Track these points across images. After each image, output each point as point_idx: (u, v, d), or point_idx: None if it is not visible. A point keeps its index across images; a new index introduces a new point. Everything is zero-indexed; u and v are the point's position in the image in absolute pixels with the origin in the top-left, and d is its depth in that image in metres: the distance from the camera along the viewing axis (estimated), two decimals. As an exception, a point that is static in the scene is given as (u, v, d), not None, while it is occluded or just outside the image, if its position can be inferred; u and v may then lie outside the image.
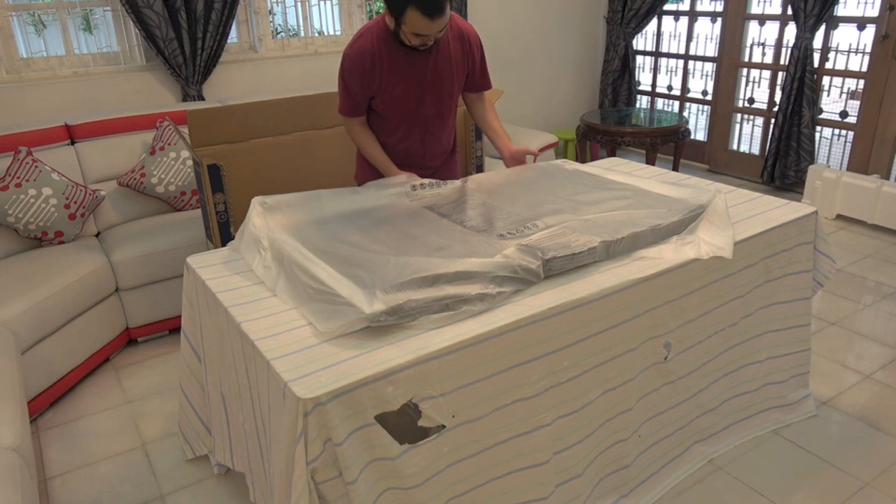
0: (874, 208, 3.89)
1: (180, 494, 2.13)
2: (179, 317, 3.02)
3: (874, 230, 3.95)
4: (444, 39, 2.24)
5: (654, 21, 5.32)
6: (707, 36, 5.06)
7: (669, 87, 5.38)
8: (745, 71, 4.83)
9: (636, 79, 5.44)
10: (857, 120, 4.21)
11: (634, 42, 5.33)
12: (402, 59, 2.20)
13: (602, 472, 1.90)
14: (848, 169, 4.31)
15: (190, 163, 3.24)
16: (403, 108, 2.30)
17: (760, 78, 4.83)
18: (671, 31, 5.29)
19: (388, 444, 1.43)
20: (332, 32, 4.30)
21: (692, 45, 5.12)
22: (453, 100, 2.40)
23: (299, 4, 4.09)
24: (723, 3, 4.78)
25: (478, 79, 2.43)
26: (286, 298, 1.69)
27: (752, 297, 2.09)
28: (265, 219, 1.98)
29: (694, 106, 5.32)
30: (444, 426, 1.49)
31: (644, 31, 5.39)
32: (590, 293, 1.67)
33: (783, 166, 4.50)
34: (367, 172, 2.47)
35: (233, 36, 3.92)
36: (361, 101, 2.29)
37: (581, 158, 4.78)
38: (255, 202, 2.03)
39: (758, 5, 4.68)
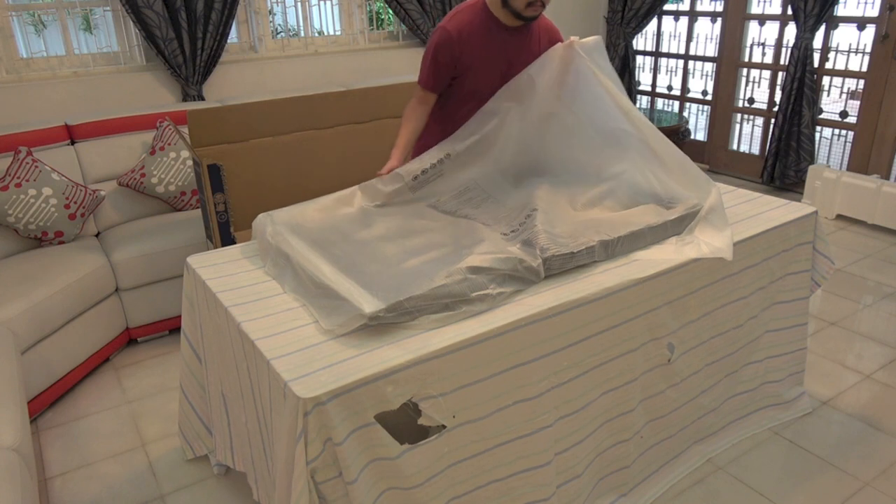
0: (874, 208, 3.89)
1: (180, 494, 2.13)
2: (179, 317, 3.02)
3: (874, 230, 3.95)
4: (536, 29, 2.25)
5: (654, 21, 5.32)
6: (707, 36, 5.06)
7: (669, 87, 5.38)
8: (745, 71, 4.83)
9: (636, 79, 5.44)
10: (857, 120, 4.21)
11: (634, 42, 5.33)
12: (496, 40, 2.19)
13: (602, 472, 1.90)
14: (848, 169, 4.31)
15: (190, 163, 3.24)
16: (486, 92, 2.25)
17: (760, 78, 4.83)
18: (671, 31, 5.29)
19: (388, 444, 1.43)
20: (332, 32, 4.30)
21: (692, 45, 5.12)
22: None
23: (299, 4, 4.09)
24: (723, 3, 4.78)
25: None
26: (295, 296, 1.70)
27: (755, 299, 2.09)
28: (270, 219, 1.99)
29: (694, 106, 5.31)
30: (444, 426, 1.49)
31: (644, 31, 5.39)
32: (590, 293, 1.67)
33: (783, 166, 4.50)
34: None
35: (233, 36, 3.92)
36: (444, 74, 2.23)
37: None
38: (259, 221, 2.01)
39: (758, 5, 4.68)
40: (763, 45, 4.68)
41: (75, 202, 2.96)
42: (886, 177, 4.10)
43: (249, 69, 3.92)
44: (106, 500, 2.12)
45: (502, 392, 1.58)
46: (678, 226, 1.97)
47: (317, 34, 4.27)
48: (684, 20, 5.10)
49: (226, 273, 1.86)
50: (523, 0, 2.08)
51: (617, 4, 5.15)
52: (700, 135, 5.26)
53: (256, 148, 2.73)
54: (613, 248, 1.84)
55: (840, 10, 4.23)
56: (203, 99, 3.72)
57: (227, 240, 2.68)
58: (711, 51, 4.99)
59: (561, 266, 1.75)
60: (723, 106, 4.95)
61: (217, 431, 2.02)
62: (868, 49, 4.09)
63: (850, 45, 4.23)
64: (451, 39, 2.15)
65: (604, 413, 1.81)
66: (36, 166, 2.89)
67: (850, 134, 4.30)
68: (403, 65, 4.44)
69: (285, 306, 1.66)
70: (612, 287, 1.70)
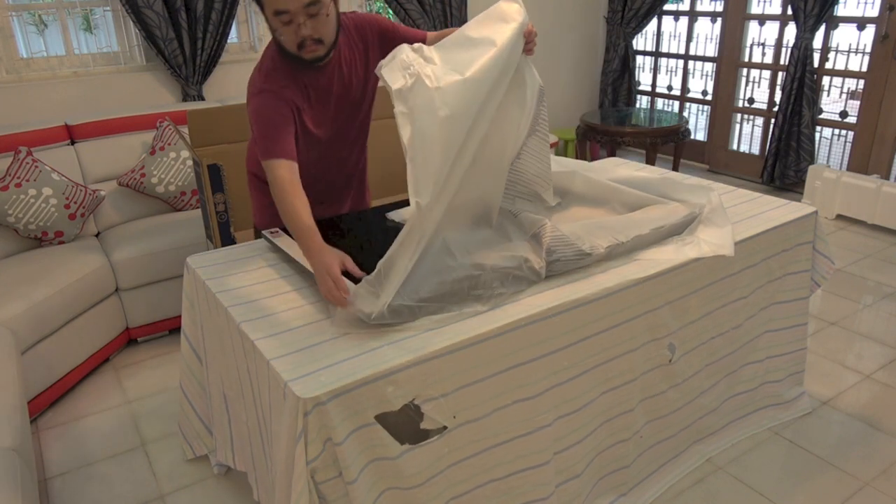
0: (874, 208, 3.89)
1: (180, 494, 2.13)
2: (179, 317, 3.01)
3: (874, 230, 3.95)
4: (339, 52, 1.92)
5: (654, 21, 5.32)
6: (707, 36, 5.06)
7: (669, 87, 5.38)
8: (745, 71, 4.83)
9: (636, 79, 5.44)
10: (857, 120, 4.21)
11: (634, 42, 5.32)
12: (303, 78, 1.90)
13: (601, 472, 1.90)
14: (848, 169, 4.31)
15: (190, 163, 3.24)
16: (321, 133, 2.00)
17: (760, 78, 4.83)
18: (671, 31, 5.30)
19: (388, 444, 1.43)
20: (332, 32, 4.29)
21: (692, 45, 5.12)
22: (367, 116, 2.11)
23: (299, 4, 4.08)
24: (723, 3, 4.78)
25: (409, 40, 1.96)
26: (297, 295, 1.71)
27: (754, 298, 2.09)
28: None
29: (694, 106, 5.32)
30: (445, 427, 1.49)
31: (644, 31, 5.39)
32: (590, 293, 1.67)
33: (783, 166, 4.50)
34: (267, 216, 2.13)
35: (233, 36, 3.92)
36: (293, 131, 1.87)
37: (581, 158, 4.77)
38: None
39: (758, 5, 4.68)
40: (763, 45, 4.68)
41: (75, 202, 2.96)
42: (886, 177, 4.10)
43: (249, 69, 3.90)
44: (106, 500, 2.12)
45: (502, 392, 1.58)
46: (681, 226, 1.97)
47: (317, 34, 4.27)
48: (684, 20, 5.10)
49: (226, 273, 1.86)
50: (293, 43, 1.78)
51: (617, 4, 5.15)
52: (700, 135, 5.26)
53: (256, 148, 2.72)
54: (618, 250, 1.84)
55: (840, 10, 4.23)
56: (203, 99, 3.72)
57: (227, 240, 2.68)
58: (711, 51, 4.99)
59: (563, 268, 1.75)
60: (723, 106, 4.95)
61: (218, 431, 2.02)
62: (868, 49, 4.09)
63: (850, 45, 4.23)
64: (278, 94, 1.85)
65: (603, 413, 1.81)
66: (36, 166, 2.89)
67: (850, 134, 4.30)
68: (403, 65, 4.43)
69: (285, 306, 1.66)
70: (612, 287, 1.70)
